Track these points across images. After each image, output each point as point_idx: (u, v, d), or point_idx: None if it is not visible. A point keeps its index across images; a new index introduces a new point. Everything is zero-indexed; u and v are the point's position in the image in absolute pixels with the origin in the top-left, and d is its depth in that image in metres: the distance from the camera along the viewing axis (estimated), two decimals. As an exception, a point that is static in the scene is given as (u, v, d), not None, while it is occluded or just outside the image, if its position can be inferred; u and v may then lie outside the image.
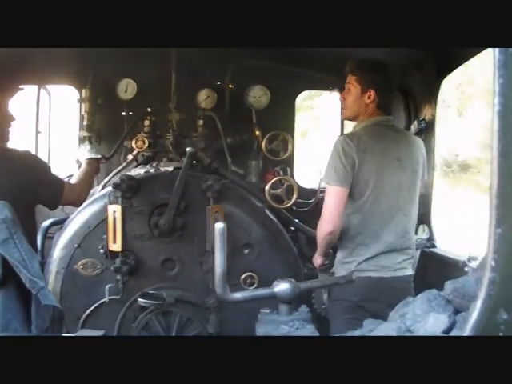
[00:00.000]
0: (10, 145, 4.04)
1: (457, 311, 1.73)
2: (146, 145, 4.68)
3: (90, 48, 1.79)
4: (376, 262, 3.82)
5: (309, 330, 2.20)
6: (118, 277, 3.99)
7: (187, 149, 4.35)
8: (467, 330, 1.41)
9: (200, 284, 4.05)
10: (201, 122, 4.84)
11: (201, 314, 4.06)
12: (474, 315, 1.40)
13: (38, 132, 5.24)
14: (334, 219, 3.76)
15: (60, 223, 4.58)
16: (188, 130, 4.80)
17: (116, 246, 3.97)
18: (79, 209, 4.23)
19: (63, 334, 3.26)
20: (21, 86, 4.15)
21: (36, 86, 5.13)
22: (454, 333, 1.61)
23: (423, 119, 4.67)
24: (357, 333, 1.97)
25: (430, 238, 4.76)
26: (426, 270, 4.42)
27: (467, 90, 18.14)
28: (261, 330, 2.32)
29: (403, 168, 3.90)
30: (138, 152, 4.76)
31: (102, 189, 4.59)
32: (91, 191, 4.56)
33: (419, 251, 4.44)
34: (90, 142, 4.74)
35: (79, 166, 4.61)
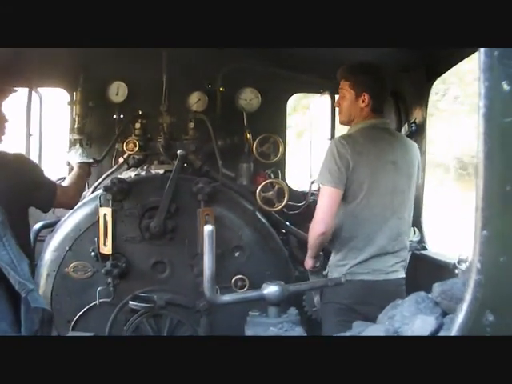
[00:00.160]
0: (2, 147, 4.02)
1: (445, 313, 1.73)
2: (137, 148, 4.69)
3: (81, 50, 1.79)
4: (369, 265, 3.82)
5: (297, 333, 2.20)
6: (109, 279, 4.00)
7: (178, 152, 4.35)
8: (453, 332, 1.42)
9: (191, 287, 4.05)
10: (192, 125, 4.83)
11: (191, 316, 4.06)
12: (460, 317, 1.40)
13: (29, 135, 5.22)
14: (327, 220, 3.76)
15: (51, 226, 4.58)
16: (179, 133, 4.79)
17: (107, 249, 3.98)
18: (70, 211, 4.23)
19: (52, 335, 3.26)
20: (14, 88, 4.14)
21: (27, 89, 5.11)
22: (441, 335, 1.61)
23: (414, 122, 4.70)
24: (346, 335, 1.97)
25: (421, 241, 4.78)
26: (417, 273, 4.43)
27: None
28: (249, 332, 2.33)
29: (398, 172, 3.90)
30: (129, 155, 4.76)
31: (93, 192, 4.58)
32: (82, 194, 4.56)
33: (410, 253, 4.45)
34: (81, 145, 4.74)
35: (70, 169, 4.60)
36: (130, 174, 4.51)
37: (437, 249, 4.86)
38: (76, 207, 4.22)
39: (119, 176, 4.39)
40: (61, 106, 5.39)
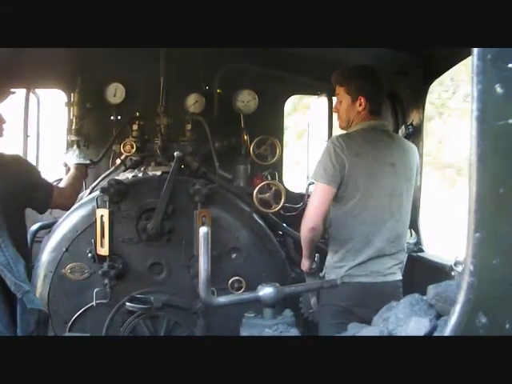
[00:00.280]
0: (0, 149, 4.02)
1: (439, 315, 1.73)
2: (134, 149, 4.70)
3: (79, 52, 1.80)
4: (366, 267, 3.81)
5: (292, 334, 2.21)
6: (106, 281, 4.00)
7: (175, 153, 4.36)
8: (446, 334, 1.42)
9: (187, 288, 4.05)
10: (189, 127, 4.84)
11: (188, 318, 4.06)
12: (453, 319, 1.41)
13: (26, 136, 5.23)
14: (317, 215, 3.75)
15: (48, 227, 4.58)
16: (176, 135, 4.80)
17: (104, 250, 3.98)
18: (67, 213, 4.23)
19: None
20: (12, 90, 4.14)
21: (24, 90, 5.11)
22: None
23: (411, 124, 4.69)
24: (340, 335, 1.98)
25: (418, 243, 4.78)
26: (414, 275, 4.43)
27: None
28: (245, 334, 2.33)
29: (397, 174, 3.89)
30: (126, 156, 4.77)
31: (90, 193, 4.59)
32: (79, 195, 4.56)
33: (406, 255, 4.45)
34: (79, 146, 4.75)
35: (67, 171, 4.60)
36: (127, 176, 4.51)
37: (433, 251, 4.86)
38: (73, 208, 4.21)
39: (116, 177, 4.39)
40: (58, 107, 5.40)
